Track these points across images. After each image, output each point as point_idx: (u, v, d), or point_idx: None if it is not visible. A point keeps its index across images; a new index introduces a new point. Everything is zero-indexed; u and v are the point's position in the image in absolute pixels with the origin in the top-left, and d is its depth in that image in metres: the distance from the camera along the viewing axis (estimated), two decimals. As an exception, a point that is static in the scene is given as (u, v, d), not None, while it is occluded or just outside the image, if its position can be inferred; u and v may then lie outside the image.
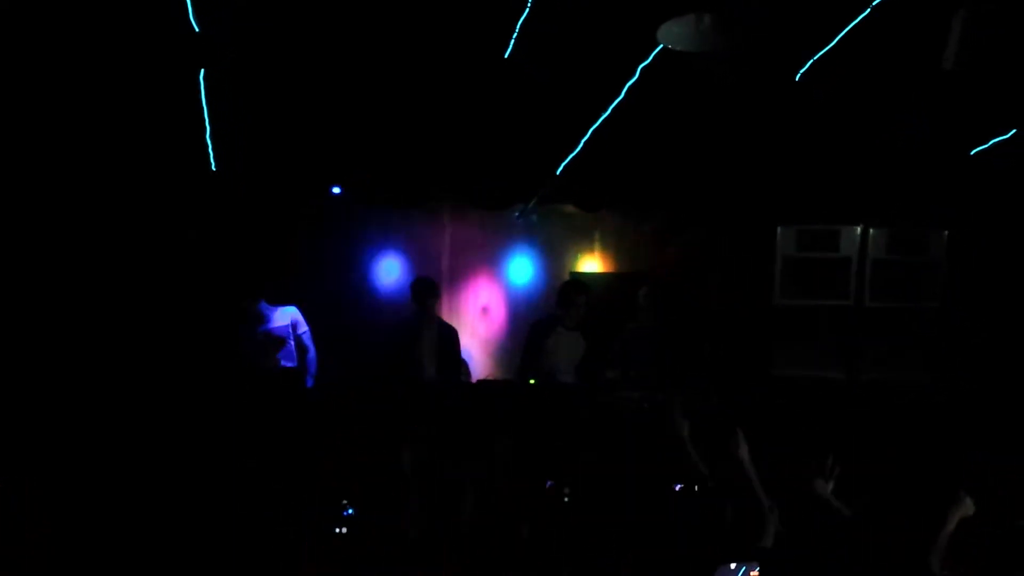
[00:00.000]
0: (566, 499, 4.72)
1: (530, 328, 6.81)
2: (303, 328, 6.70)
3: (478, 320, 8.44)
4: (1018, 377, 6.61)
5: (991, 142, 6.32)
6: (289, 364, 6.60)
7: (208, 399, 5.67)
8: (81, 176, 6.19)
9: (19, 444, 4.89)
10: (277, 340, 6.56)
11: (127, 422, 5.36)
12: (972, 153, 6.46)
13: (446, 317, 7.19)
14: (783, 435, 5.08)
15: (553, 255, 8.51)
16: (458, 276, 8.44)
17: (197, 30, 5.17)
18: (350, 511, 4.87)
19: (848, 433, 5.45)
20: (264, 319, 6.56)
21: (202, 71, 5.63)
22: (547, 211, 8.22)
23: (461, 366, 6.86)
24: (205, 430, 5.35)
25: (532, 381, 6.61)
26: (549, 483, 4.78)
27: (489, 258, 8.48)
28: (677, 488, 4.48)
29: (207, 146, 6.20)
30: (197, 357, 6.46)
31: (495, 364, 8.21)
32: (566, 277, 8.23)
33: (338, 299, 7.74)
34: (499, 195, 7.38)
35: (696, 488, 4.04)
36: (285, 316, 6.63)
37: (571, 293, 6.65)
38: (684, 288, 7.69)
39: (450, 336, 6.72)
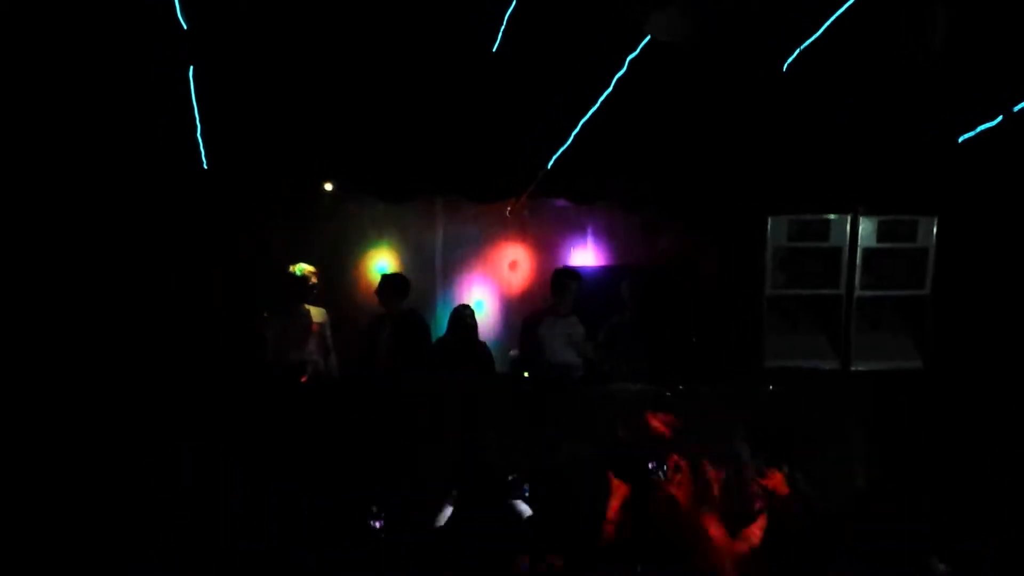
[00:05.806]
0: (526, 494, 4.73)
1: (523, 322, 6.86)
2: (328, 331, 6.80)
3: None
4: (1012, 361, 6.62)
5: (978, 129, 6.34)
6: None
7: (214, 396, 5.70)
8: (71, 174, 6.18)
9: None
10: (313, 334, 6.65)
11: (128, 421, 5.36)
12: (960, 140, 6.48)
13: (440, 311, 7.19)
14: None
15: (546, 249, 8.53)
16: (451, 270, 8.45)
17: (185, 27, 5.18)
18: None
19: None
20: (307, 315, 6.67)
21: (191, 68, 5.64)
22: (539, 205, 8.23)
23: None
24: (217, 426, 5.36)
25: (525, 374, 6.65)
26: (511, 477, 4.78)
27: (482, 252, 8.49)
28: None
29: (198, 144, 6.20)
30: (188, 355, 6.50)
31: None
32: (558, 270, 8.26)
33: (331, 296, 7.72)
34: (491, 189, 7.39)
35: None
36: (320, 314, 6.75)
37: (562, 278, 6.72)
38: (667, 280, 7.70)
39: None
